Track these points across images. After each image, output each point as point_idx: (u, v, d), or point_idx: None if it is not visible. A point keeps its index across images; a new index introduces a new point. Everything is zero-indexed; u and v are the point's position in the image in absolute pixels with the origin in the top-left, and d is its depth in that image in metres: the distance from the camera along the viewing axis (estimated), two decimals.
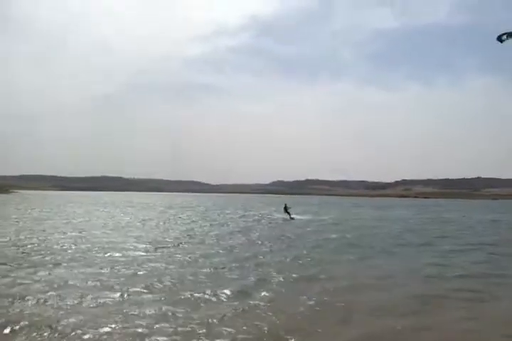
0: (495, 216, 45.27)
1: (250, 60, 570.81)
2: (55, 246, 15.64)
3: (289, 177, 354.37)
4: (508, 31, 22.26)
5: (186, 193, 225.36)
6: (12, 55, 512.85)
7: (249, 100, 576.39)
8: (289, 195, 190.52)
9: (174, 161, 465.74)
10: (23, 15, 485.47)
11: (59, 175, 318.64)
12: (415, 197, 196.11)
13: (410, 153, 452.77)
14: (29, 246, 15.47)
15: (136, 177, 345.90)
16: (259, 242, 18.46)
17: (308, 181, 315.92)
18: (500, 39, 23.48)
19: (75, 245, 16.02)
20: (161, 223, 28.13)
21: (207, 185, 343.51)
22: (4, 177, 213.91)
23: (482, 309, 8.78)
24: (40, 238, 17.99)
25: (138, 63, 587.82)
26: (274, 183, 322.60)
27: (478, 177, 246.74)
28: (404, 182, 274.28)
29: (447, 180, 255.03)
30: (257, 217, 35.82)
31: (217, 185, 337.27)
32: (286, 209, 33.44)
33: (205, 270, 11.77)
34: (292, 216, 32.87)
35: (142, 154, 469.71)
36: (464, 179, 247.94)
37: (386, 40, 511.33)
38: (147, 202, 74.87)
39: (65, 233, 20.21)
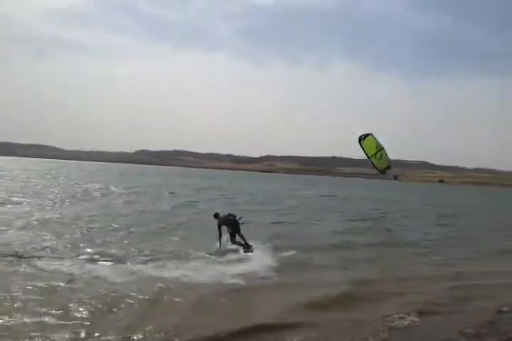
0: None
1: (118, 18, 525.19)
2: None
3: (155, 146, 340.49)
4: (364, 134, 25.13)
5: (33, 158, 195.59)
6: None
7: (112, 61, 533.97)
8: (154, 166, 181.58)
9: (22, 122, 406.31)
10: None
11: None
12: (276, 172, 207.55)
13: (275, 129, 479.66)
14: None
15: None
16: None
17: (175, 152, 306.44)
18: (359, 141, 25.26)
19: None
20: None
21: (59, 150, 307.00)
22: None
23: None
24: None
25: None
26: (138, 152, 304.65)
27: (333, 157, 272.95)
28: (268, 157, 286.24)
29: (306, 157, 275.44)
30: None
31: (72, 151, 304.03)
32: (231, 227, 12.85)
33: None
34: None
35: None
36: (321, 157, 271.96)
37: (261, 16, 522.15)
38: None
39: None
